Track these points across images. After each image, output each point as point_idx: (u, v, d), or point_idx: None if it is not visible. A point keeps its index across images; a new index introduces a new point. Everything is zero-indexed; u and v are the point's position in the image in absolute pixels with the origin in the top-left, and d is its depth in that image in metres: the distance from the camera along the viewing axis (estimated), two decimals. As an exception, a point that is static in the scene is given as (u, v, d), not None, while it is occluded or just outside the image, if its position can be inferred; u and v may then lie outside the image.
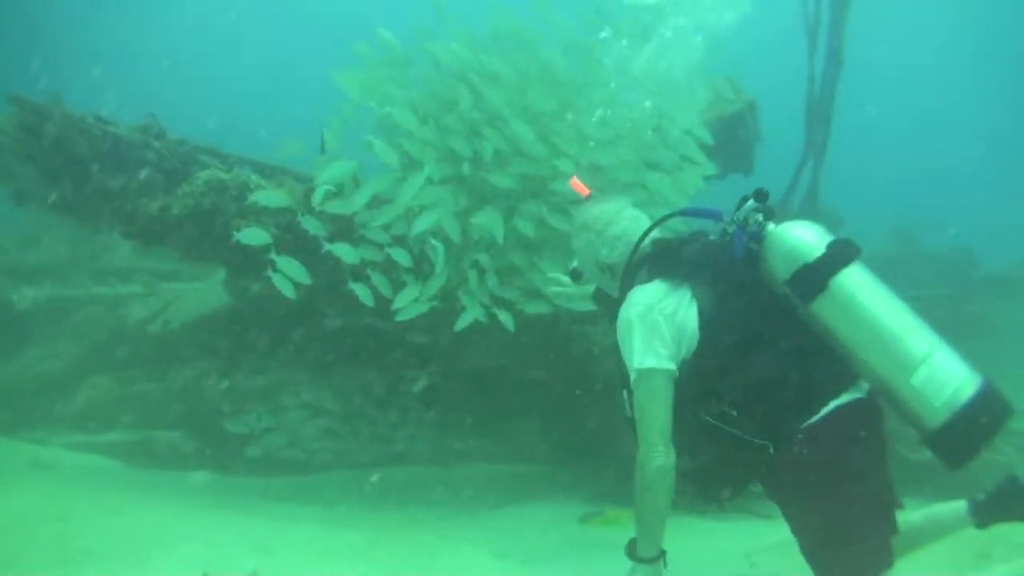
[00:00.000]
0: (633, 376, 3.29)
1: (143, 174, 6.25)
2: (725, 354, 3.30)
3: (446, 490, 6.99)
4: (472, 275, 5.89)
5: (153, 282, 9.42)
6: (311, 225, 5.65)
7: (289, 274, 5.65)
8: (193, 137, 7.05)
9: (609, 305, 3.75)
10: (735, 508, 6.18)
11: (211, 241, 6.08)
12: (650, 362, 3.26)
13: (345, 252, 5.67)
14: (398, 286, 5.79)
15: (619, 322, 3.42)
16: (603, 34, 6.24)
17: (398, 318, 5.79)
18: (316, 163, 5.94)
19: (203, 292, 8.71)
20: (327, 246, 5.66)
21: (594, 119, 6.06)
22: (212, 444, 7.31)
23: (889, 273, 3.41)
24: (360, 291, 5.69)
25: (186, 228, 6.03)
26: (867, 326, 3.19)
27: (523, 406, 7.37)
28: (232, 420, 7.31)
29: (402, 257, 5.74)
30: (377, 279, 5.70)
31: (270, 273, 5.61)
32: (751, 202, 3.43)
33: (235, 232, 5.61)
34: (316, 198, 5.64)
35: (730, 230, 3.45)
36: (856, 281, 3.24)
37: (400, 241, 5.81)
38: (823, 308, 3.25)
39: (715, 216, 3.56)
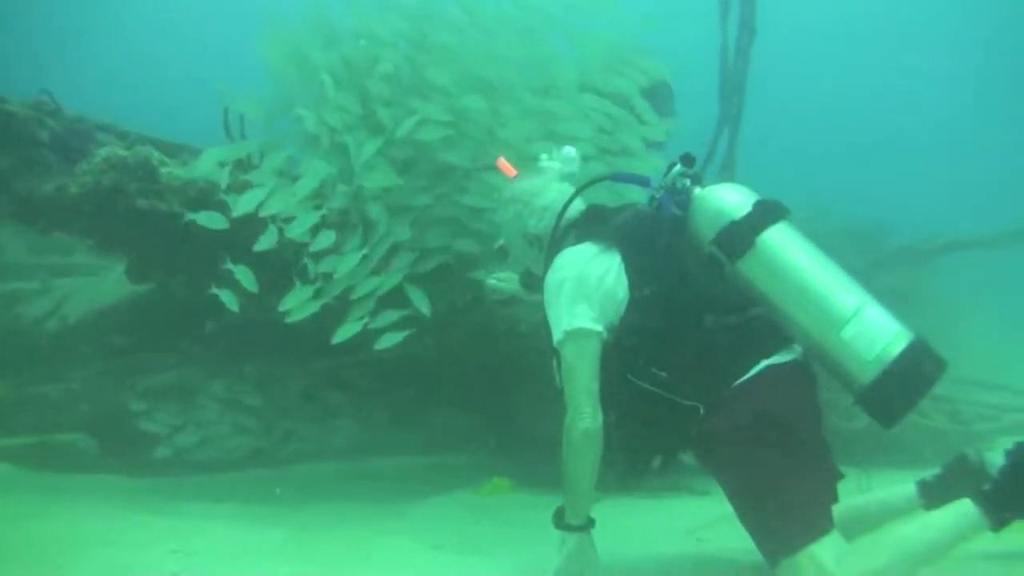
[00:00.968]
0: (559, 338, 3.27)
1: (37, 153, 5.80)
2: (654, 316, 3.29)
3: (369, 483, 6.77)
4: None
5: (49, 278, 8.85)
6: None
7: (245, 284, 5.29)
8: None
9: (538, 287, 3.63)
10: (669, 486, 6.17)
11: (112, 224, 5.69)
12: (577, 323, 3.26)
13: (211, 220, 5.30)
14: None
15: (545, 286, 3.42)
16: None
17: (288, 320, 5.44)
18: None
19: (102, 285, 8.20)
20: (189, 215, 5.30)
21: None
22: (118, 445, 6.88)
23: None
24: (226, 297, 5.33)
25: (86, 209, 5.60)
26: (795, 283, 3.17)
27: (444, 394, 7.18)
28: (139, 419, 6.90)
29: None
30: (242, 273, 5.28)
31: (215, 290, 5.25)
32: (678, 167, 3.45)
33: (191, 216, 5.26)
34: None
35: (658, 196, 3.47)
36: (783, 239, 3.23)
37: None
38: (750, 267, 3.23)
39: (643, 182, 3.59)
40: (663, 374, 3.24)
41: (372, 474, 7.05)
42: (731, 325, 3.28)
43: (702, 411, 3.21)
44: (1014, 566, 3.64)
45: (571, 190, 3.74)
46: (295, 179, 5.47)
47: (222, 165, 5.32)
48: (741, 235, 3.23)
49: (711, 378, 3.23)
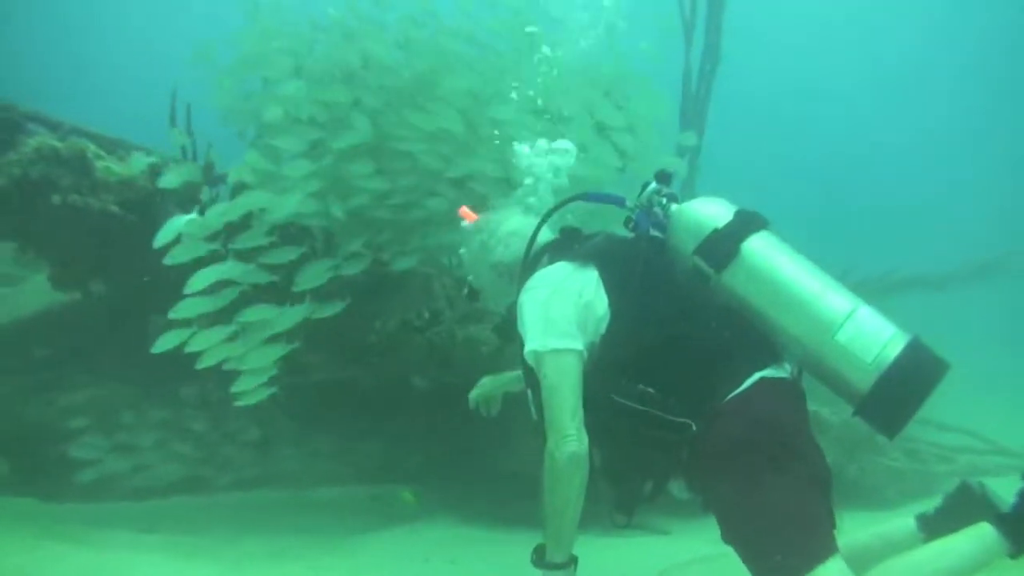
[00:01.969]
0: (538, 356, 3.05)
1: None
2: (639, 332, 3.09)
3: (308, 515, 6.38)
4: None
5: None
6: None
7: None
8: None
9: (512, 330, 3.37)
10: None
11: (39, 221, 5.21)
12: (556, 342, 3.05)
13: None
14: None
15: (519, 306, 3.20)
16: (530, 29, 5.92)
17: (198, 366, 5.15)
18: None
19: (20, 295, 7.63)
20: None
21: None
22: (34, 467, 6.35)
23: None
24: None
25: (11, 204, 5.11)
26: (784, 290, 3.03)
27: (387, 421, 6.68)
28: (60, 438, 6.34)
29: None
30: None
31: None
32: (653, 185, 3.35)
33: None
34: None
35: (634, 216, 3.32)
36: (767, 246, 3.11)
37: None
38: (736, 277, 3.09)
39: (618, 202, 3.44)
40: (650, 390, 3.00)
41: (312, 504, 6.68)
42: (720, 337, 3.08)
43: (694, 428, 2.97)
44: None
45: (536, 220, 3.54)
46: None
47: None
48: (724, 243, 3.10)
49: (702, 392, 3.01)
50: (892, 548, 3.23)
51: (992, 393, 11.39)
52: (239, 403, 5.23)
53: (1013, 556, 2.93)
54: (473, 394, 4.08)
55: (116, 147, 5.70)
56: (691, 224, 3.20)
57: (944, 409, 9.33)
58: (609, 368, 3.09)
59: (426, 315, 5.65)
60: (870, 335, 2.91)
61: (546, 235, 3.50)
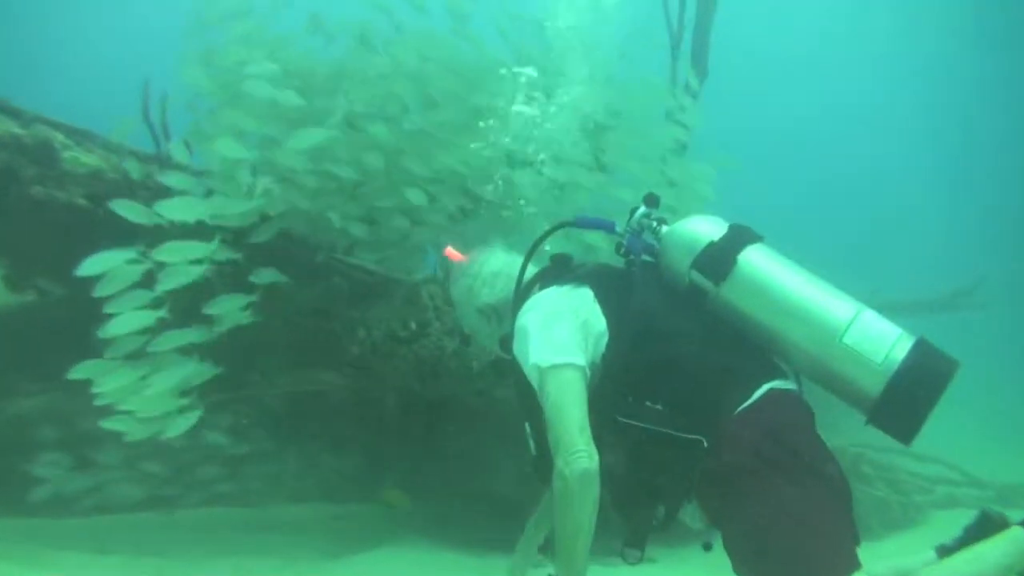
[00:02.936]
0: (538, 374, 2.93)
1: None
2: (640, 349, 3.02)
3: (276, 535, 6.05)
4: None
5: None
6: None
7: None
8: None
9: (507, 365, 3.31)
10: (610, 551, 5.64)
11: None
12: (556, 358, 2.93)
13: (130, 210, 4.65)
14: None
15: (516, 330, 3.13)
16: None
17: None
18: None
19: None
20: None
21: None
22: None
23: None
24: None
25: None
26: (786, 297, 2.98)
27: (362, 437, 6.48)
28: (11, 451, 5.87)
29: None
30: None
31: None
32: (642, 209, 3.32)
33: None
34: None
35: (624, 241, 3.31)
36: (764, 256, 3.07)
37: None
38: (736, 289, 3.04)
39: (607, 227, 3.41)
40: (657, 407, 2.91)
41: (280, 524, 6.34)
42: (725, 352, 3.02)
43: (705, 444, 2.86)
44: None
45: (518, 256, 3.49)
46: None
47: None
48: (721, 255, 3.05)
49: (712, 406, 2.90)
50: None
51: (963, 421, 11.40)
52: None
53: None
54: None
55: (84, 138, 5.34)
56: (685, 240, 3.15)
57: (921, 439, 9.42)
58: (612, 388, 2.99)
59: (413, 326, 5.34)
60: (877, 336, 2.85)
61: (532, 270, 3.42)
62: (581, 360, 2.93)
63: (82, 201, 4.71)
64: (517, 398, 3.14)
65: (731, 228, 3.15)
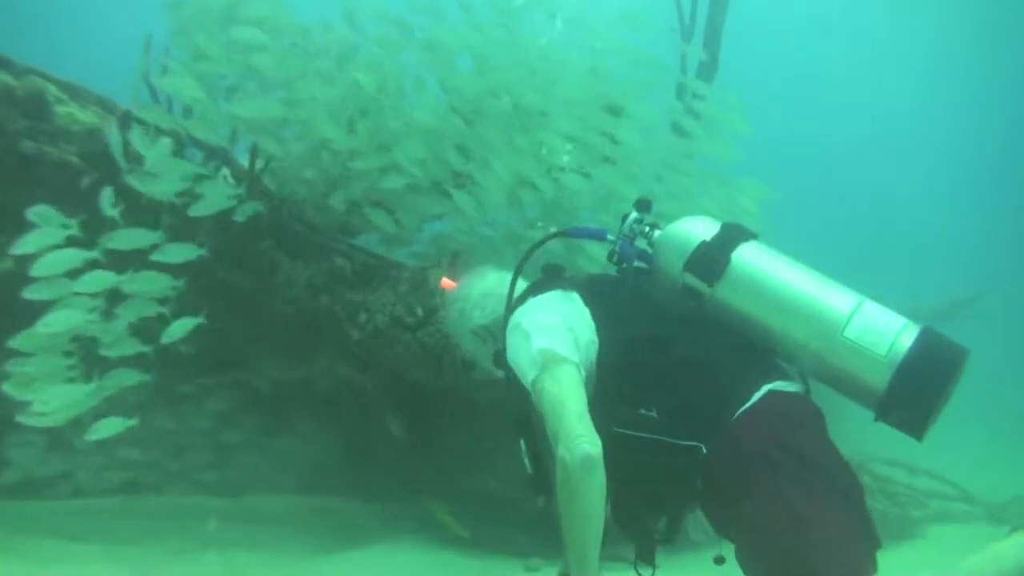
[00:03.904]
0: (533, 375, 2.83)
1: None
2: (632, 355, 2.96)
3: (261, 527, 5.86)
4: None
5: None
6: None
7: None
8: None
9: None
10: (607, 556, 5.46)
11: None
12: (550, 353, 2.85)
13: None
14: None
15: (508, 335, 3.07)
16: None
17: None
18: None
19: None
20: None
21: None
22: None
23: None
24: None
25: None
26: (783, 293, 2.92)
27: (352, 428, 6.26)
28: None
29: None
30: None
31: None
32: (634, 214, 3.28)
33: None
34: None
35: (617, 248, 3.27)
36: (759, 253, 3.02)
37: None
38: (731, 289, 2.98)
39: (599, 236, 3.39)
40: (652, 414, 2.83)
41: (261, 516, 6.12)
42: (721, 355, 2.94)
43: (704, 450, 2.77)
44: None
45: (508, 275, 3.39)
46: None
47: None
48: (714, 255, 3.01)
49: (709, 411, 2.81)
50: None
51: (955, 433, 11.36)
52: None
53: None
54: None
55: (78, 94, 5.01)
56: (677, 242, 3.10)
57: (909, 450, 9.32)
58: (606, 397, 2.91)
59: (420, 312, 5.07)
60: (880, 328, 2.76)
61: (523, 285, 3.34)
62: (575, 357, 2.87)
63: (74, 159, 4.39)
64: (511, 415, 3.04)
65: (724, 227, 3.10)
